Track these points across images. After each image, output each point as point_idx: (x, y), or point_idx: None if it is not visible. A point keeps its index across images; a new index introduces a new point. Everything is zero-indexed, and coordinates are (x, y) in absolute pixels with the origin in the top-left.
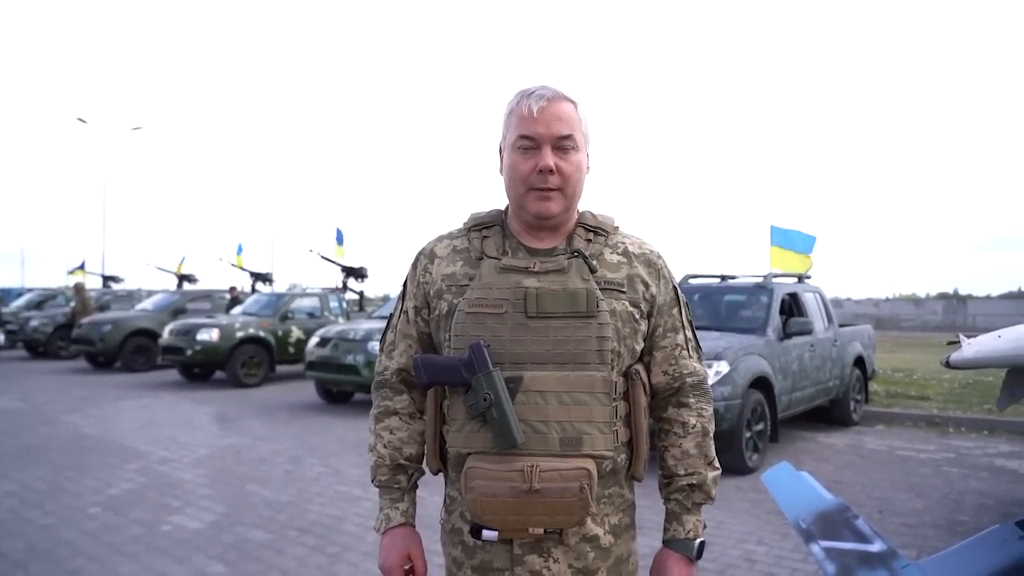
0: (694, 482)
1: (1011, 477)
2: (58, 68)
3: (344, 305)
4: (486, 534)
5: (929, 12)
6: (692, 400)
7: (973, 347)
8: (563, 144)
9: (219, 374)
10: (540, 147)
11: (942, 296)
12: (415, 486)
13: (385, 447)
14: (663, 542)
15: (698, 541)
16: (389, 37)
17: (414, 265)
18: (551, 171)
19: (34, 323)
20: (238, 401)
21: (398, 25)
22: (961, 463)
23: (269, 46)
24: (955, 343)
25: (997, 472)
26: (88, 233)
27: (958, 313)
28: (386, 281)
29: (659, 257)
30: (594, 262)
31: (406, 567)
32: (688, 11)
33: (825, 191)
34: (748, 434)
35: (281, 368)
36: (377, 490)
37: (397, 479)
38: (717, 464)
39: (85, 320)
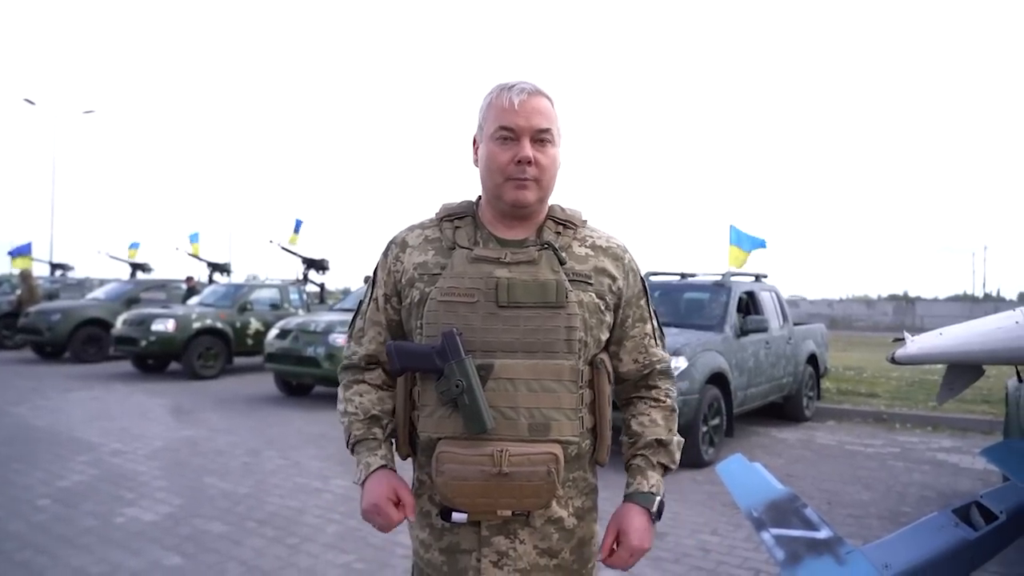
0: (661, 438)
1: (952, 470)
2: (4, 46)
3: (304, 297)
4: (456, 516)
5: (892, 14)
6: (660, 383)
7: (916, 344)
8: (541, 137)
9: (175, 366)
10: (519, 139)
11: (893, 297)
12: (390, 441)
13: (357, 407)
14: (624, 497)
15: (658, 498)
16: (352, 24)
17: (385, 253)
18: (529, 162)
19: None
20: (194, 393)
21: (362, 13)
22: (906, 457)
23: (228, 31)
24: (900, 340)
25: (939, 466)
26: (35, 219)
27: (907, 314)
28: (348, 274)
29: (625, 251)
30: (563, 254)
31: (393, 501)
32: (653, 11)
33: (785, 193)
34: (704, 428)
35: (239, 360)
36: (355, 451)
37: (373, 431)
38: (680, 438)
39: (32, 309)
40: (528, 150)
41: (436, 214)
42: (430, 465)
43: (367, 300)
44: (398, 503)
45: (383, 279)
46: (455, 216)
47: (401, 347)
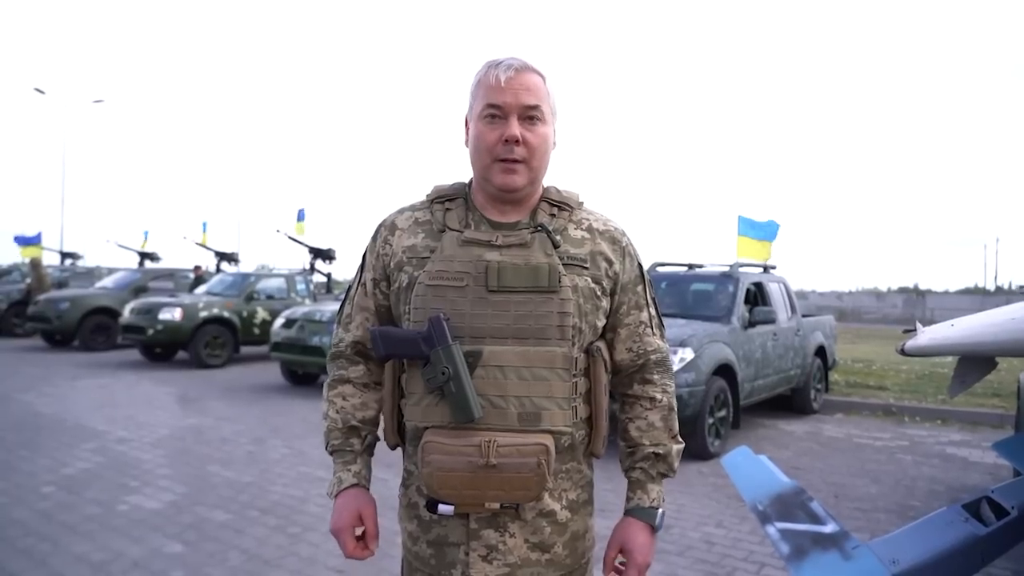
0: (660, 452)
1: (961, 464)
2: (15, 36)
3: (311, 287)
4: (442, 508)
5: (907, 9)
6: (656, 377)
7: (927, 335)
8: (530, 115)
9: (181, 354)
10: (507, 117)
11: (903, 290)
12: (369, 450)
13: (337, 412)
14: (625, 511)
15: (660, 511)
16: (354, 14)
17: (374, 237)
18: (517, 141)
19: None
20: (201, 382)
21: (363, 3)
22: (914, 451)
23: (237, 22)
24: (911, 331)
25: (948, 460)
26: (46, 208)
27: (917, 307)
28: (355, 264)
29: (623, 234)
30: (557, 237)
31: (359, 530)
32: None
33: (796, 186)
34: (711, 420)
35: (246, 349)
36: (332, 458)
37: (350, 442)
38: (680, 439)
39: (41, 297)
40: (515, 128)
41: (427, 196)
42: (417, 455)
43: (355, 285)
44: (363, 533)
45: (372, 263)
46: (446, 198)
47: (385, 332)
